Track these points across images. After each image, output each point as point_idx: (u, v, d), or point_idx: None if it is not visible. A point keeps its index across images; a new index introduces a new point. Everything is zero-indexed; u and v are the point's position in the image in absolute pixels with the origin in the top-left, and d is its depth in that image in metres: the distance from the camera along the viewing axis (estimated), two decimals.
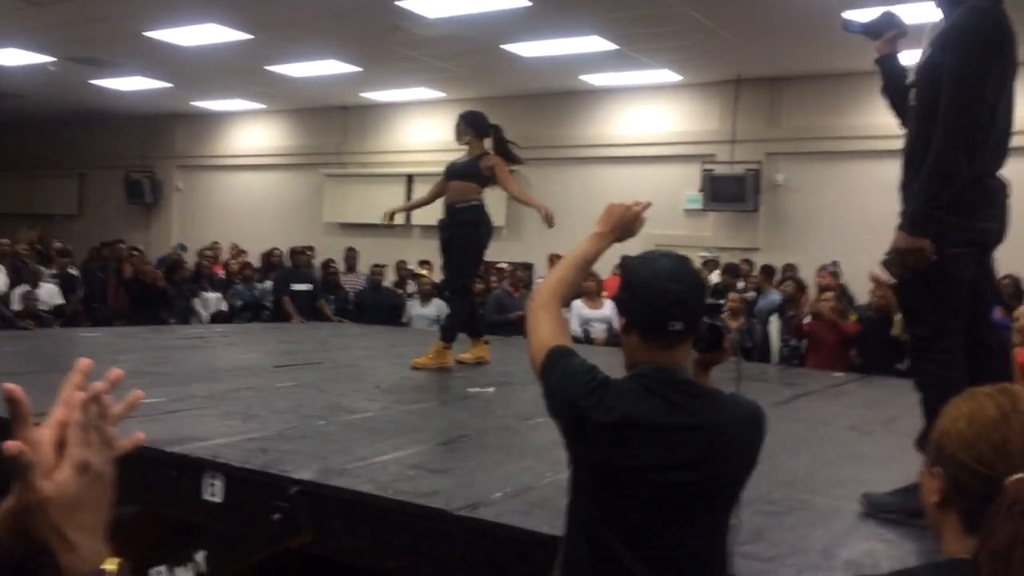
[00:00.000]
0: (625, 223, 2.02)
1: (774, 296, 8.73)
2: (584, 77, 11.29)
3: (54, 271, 9.86)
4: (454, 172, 5.70)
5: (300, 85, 12.52)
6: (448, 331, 5.65)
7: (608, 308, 8.51)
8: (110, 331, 7.87)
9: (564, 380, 1.78)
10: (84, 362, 0.92)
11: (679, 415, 1.73)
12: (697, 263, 7.97)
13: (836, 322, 7.43)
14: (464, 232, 5.55)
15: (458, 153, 5.94)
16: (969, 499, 1.12)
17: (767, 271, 9.50)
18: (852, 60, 9.37)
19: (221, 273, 10.95)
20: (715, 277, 9.56)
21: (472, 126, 5.74)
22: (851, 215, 10.20)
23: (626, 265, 1.87)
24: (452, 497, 2.54)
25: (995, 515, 1.03)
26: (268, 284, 10.20)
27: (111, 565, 0.86)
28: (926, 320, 2.58)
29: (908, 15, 2.85)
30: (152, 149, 16.16)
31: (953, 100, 2.45)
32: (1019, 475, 1.05)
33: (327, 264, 10.71)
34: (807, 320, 7.80)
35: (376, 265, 10.48)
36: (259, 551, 2.71)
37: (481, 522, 2.37)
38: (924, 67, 2.60)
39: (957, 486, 1.14)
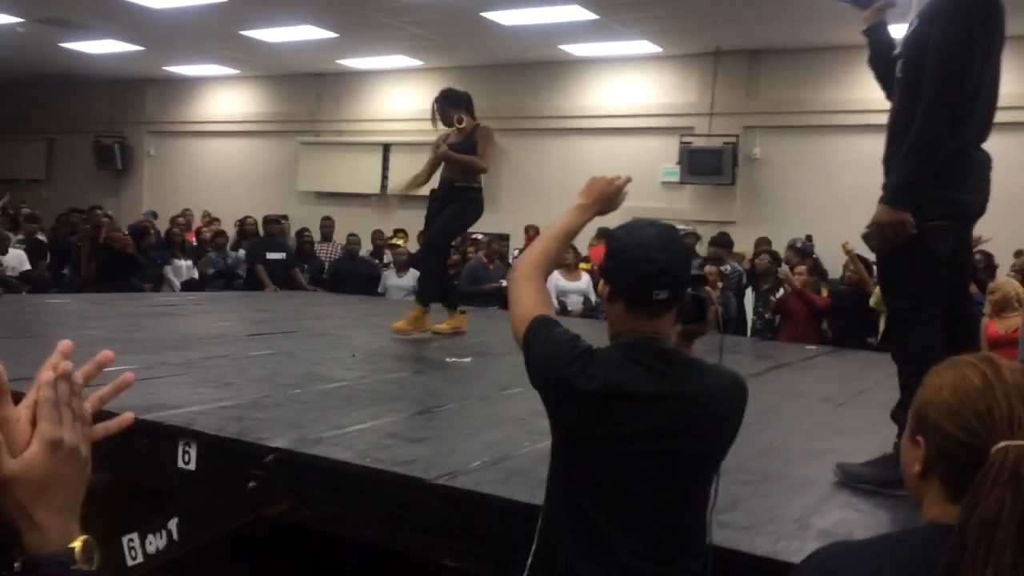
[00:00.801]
0: (608, 196, 2.03)
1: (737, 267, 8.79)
2: (564, 47, 11.20)
3: (21, 237, 9.68)
4: (458, 150, 5.62)
5: (275, 51, 12.32)
6: (423, 294, 5.64)
7: (585, 281, 8.52)
8: (79, 298, 7.75)
9: (546, 349, 1.77)
10: (65, 344, 0.89)
11: (662, 384, 1.72)
12: None
13: (805, 293, 7.48)
14: (459, 207, 5.58)
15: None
16: (953, 467, 1.13)
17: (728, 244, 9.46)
18: (831, 34, 9.39)
19: (193, 241, 10.82)
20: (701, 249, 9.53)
21: (463, 105, 5.67)
22: (827, 190, 10.25)
23: (611, 234, 1.86)
24: (430, 466, 2.53)
25: (982, 483, 1.04)
26: (241, 252, 10.09)
27: (76, 544, 0.84)
28: (905, 292, 2.59)
29: None
30: (123, 114, 15.86)
31: (938, 72, 2.44)
32: (1005, 443, 1.06)
33: (301, 233, 10.61)
34: (779, 294, 7.86)
35: (352, 234, 10.40)
36: (233, 519, 2.68)
37: (459, 491, 2.36)
38: (911, 39, 2.58)
39: (942, 455, 1.14)
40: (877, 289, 7.26)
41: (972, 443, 1.09)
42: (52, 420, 0.85)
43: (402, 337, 5.39)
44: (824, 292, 7.96)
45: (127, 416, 0.94)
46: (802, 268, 7.72)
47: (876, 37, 2.80)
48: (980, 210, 2.63)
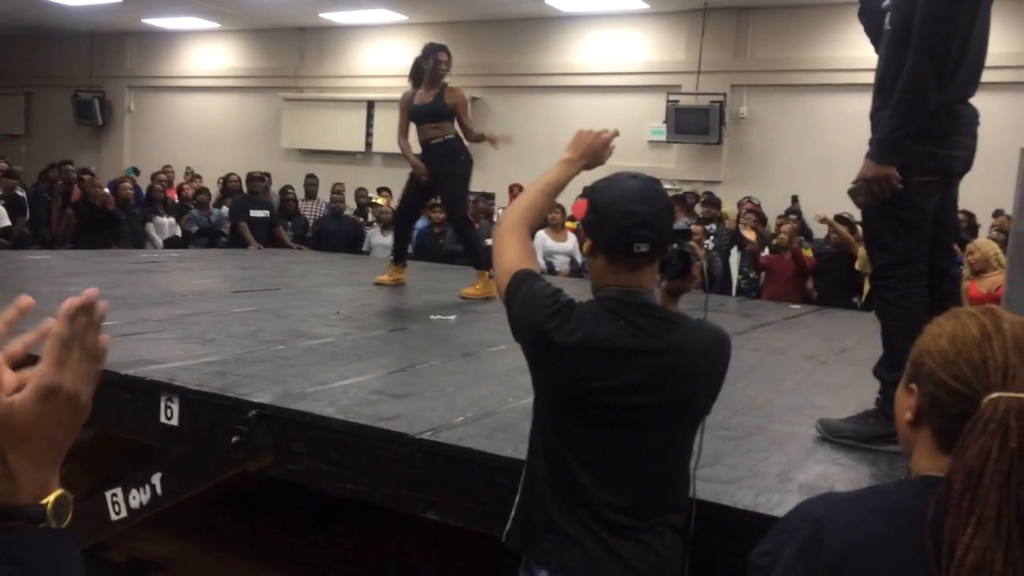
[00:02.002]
0: (595, 150, 2.01)
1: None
2: (550, 1, 11.05)
3: (0, 192, 9.54)
4: (426, 115, 5.62)
5: (257, 4, 12.10)
6: (478, 258, 5.70)
7: (571, 242, 8.50)
8: (60, 254, 7.67)
9: (527, 302, 1.76)
10: (25, 300, 0.82)
11: (643, 338, 1.71)
12: None
13: (796, 251, 7.47)
14: (445, 164, 5.58)
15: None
16: (944, 417, 1.12)
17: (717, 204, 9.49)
18: None
19: (175, 198, 10.70)
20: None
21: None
22: (814, 150, 10.24)
23: (593, 187, 1.84)
24: (414, 421, 2.53)
25: (970, 433, 1.04)
26: (225, 210, 9.99)
27: (49, 499, 0.78)
28: (889, 248, 2.58)
29: None
30: (102, 68, 15.57)
31: (925, 25, 2.42)
32: (996, 394, 1.05)
33: (285, 191, 10.51)
34: (764, 253, 7.88)
35: (337, 186, 10.30)
36: (217, 474, 2.68)
37: (443, 445, 2.36)
38: None
39: (933, 403, 1.14)
40: (863, 251, 7.29)
41: (964, 392, 1.09)
42: (56, 362, 0.78)
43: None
44: (808, 252, 7.99)
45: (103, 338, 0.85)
46: (787, 226, 7.73)
47: None
48: (966, 167, 2.62)
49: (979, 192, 7.38)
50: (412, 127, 5.77)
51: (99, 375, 0.83)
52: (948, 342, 1.13)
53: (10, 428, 0.77)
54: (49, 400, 0.78)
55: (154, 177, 10.90)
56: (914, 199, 2.51)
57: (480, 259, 5.66)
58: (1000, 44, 7.33)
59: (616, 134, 2.04)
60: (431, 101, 5.60)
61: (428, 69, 5.62)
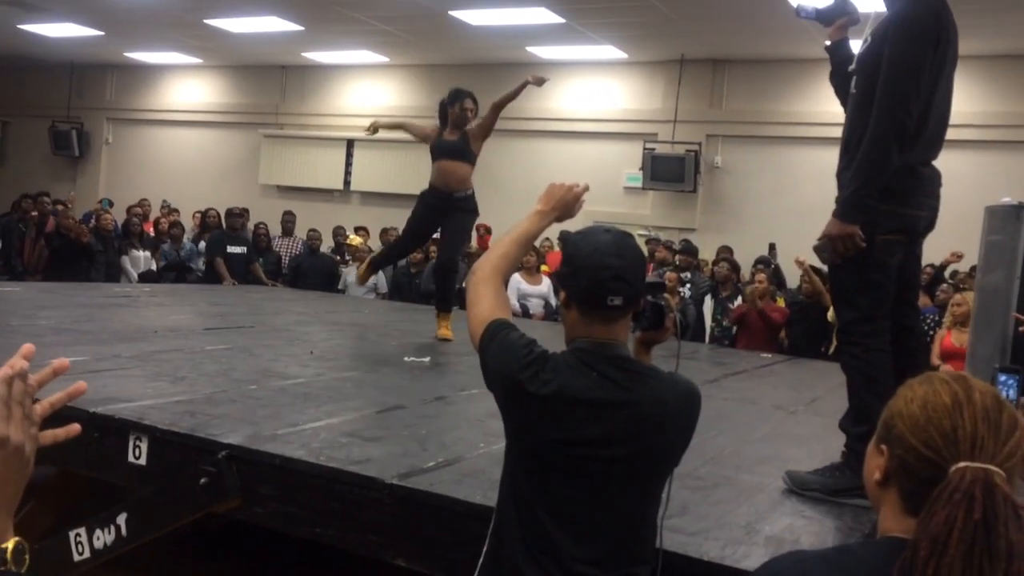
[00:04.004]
0: (566, 203, 2.06)
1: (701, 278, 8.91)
2: (531, 48, 11.23)
3: None
4: (451, 151, 5.67)
5: (239, 41, 12.18)
6: (448, 304, 5.79)
7: (546, 285, 8.55)
8: (31, 286, 7.59)
9: (502, 352, 1.78)
10: (27, 348, 0.92)
11: (615, 391, 1.74)
12: (640, 243, 8.13)
13: (765, 311, 7.54)
14: (466, 218, 5.76)
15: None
16: (912, 480, 1.14)
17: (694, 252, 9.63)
18: (794, 46, 9.55)
19: (151, 232, 10.65)
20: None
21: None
22: (786, 200, 10.41)
23: (567, 239, 1.88)
24: (385, 465, 2.53)
25: (936, 500, 1.06)
26: (193, 245, 9.98)
27: (8, 544, 0.86)
28: (855, 305, 2.64)
29: (861, 2, 2.89)
30: (81, 99, 15.55)
31: (888, 90, 2.50)
32: (964, 464, 1.08)
33: (257, 227, 10.51)
34: (737, 303, 7.95)
35: (312, 230, 10.33)
36: (184, 515, 2.65)
37: (413, 491, 2.36)
38: (864, 56, 2.64)
39: (903, 466, 1.16)
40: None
41: (933, 459, 1.11)
42: (2, 417, 0.86)
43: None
44: (780, 301, 8.08)
45: (74, 427, 0.96)
46: (762, 276, 7.82)
47: (838, 54, 2.86)
48: (929, 225, 2.70)
49: (945, 248, 7.58)
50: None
51: (37, 437, 0.91)
52: (920, 407, 1.16)
53: None
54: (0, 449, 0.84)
55: (129, 210, 10.86)
56: (878, 257, 2.58)
57: (450, 304, 5.74)
58: (966, 103, 7.54)
59: (587, 188, 2.10)
60: (456, 140, 5.69)
61: (454, 114, 5.72)
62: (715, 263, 8.92)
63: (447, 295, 5.86)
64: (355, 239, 10.18)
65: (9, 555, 0.85)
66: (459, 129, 5.70)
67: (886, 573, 1.07)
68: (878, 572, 1.09)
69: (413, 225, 5.93)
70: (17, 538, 0.87)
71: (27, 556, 0.87)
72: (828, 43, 2.90)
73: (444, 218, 5.71)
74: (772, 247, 9.81)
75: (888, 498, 1.19)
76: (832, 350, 7.14)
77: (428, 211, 5.75)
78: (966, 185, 7.70)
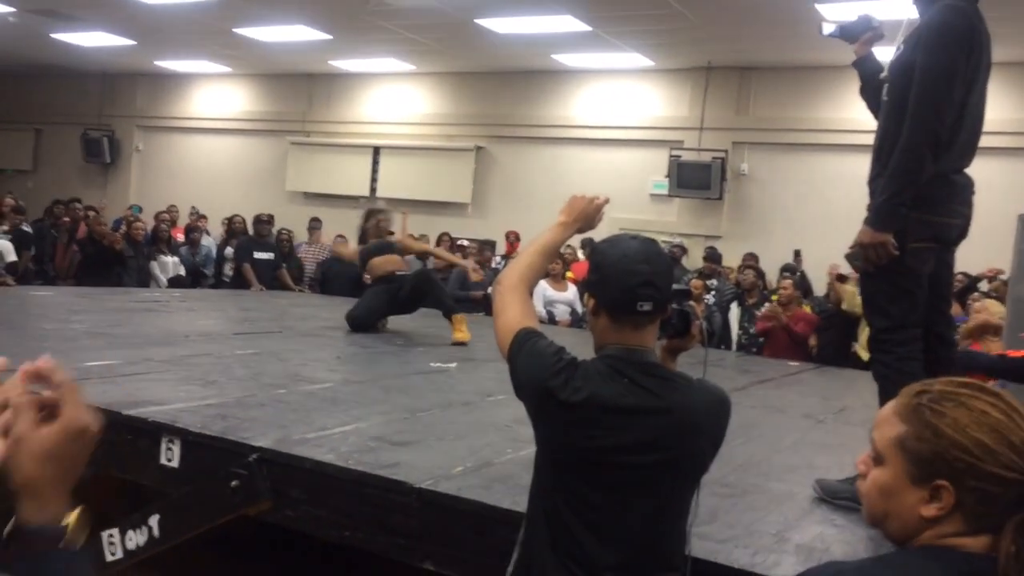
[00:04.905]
0: (587, 215, 2.10)
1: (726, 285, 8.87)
2: (556, 56, 11.26)
3: (6, 227, 9.61)
4: (376, 252, 6.25)
5: (268, 50, 12.31)
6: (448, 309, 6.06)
7: (572, 292, 8.54)
8: (63, 291, 7.71)
9: (531, 361, 1.79)
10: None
11: (646, 397, 1.74)
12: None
13: (790, 327, 7.47)
14: (418, 284, 6.02)
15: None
16: (995, 506, 1.09)
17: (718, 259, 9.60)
18: (821, 53, 9.48)
19: (180, 238, 10.77)
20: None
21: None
22: (813, 207, 10.35)
23: (595, 248, 1.90)
24: (413, 470, 2.54)
25: None
26: (210, 250, 10.07)
27: (71, 517, 0.88)
28: (886, 313, 2.62)
29: (884, 12, 2.87)
30: (112, 107, 15.79)
31: (921, 98, 2.49)
32: None
33: (279, 233, 10.61)
34: (760, 318, 7.89)
35: (339, 235, 10.40)
36: (215, 517, 2.68)
37: (441, 495, 2.37)
38: (897, 64, 2.63)
39: (982, 497, 1.10)
40: (847, 288, 7.33)
41: (1019, 479, 1.07)
42: (79, 404, 0.90)
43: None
44: (808, 308, 8.01)
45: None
46: (787, 283, 7.77)
47: (866, 68, 2.85)
48: (962, 234, 2.67)
49: (978, 257, 7.48)
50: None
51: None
52: (983, 432, 1.10)
53: (41, 456, 0.86)
54: (80, 438, 0.89)
55: (158, 216, 10.99)
56: (910, 265, 2.56)
57: (451, 308, 6.02)
58: (999, 110, 7.49)
59: (607, 201, 2.14)
60: (380, 242, 6.32)
61: (372, 228, 6.37)
62: (740, 270, 8.88)
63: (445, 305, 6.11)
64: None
65: (70, 528, 0.87)
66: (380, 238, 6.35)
67: None
68: None
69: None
70: (81, 507, 0.90)
71: (87, 531, 0.90)
72: (855, 59, 2.89)
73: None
74: (797, 253, 9.75)
75: (943, 529, 1.12)
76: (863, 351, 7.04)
77: (398, 293, 6.03)
78: (999, 193, 7.61)
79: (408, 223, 10.36)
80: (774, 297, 7.92)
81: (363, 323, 5.98)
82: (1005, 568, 1.05)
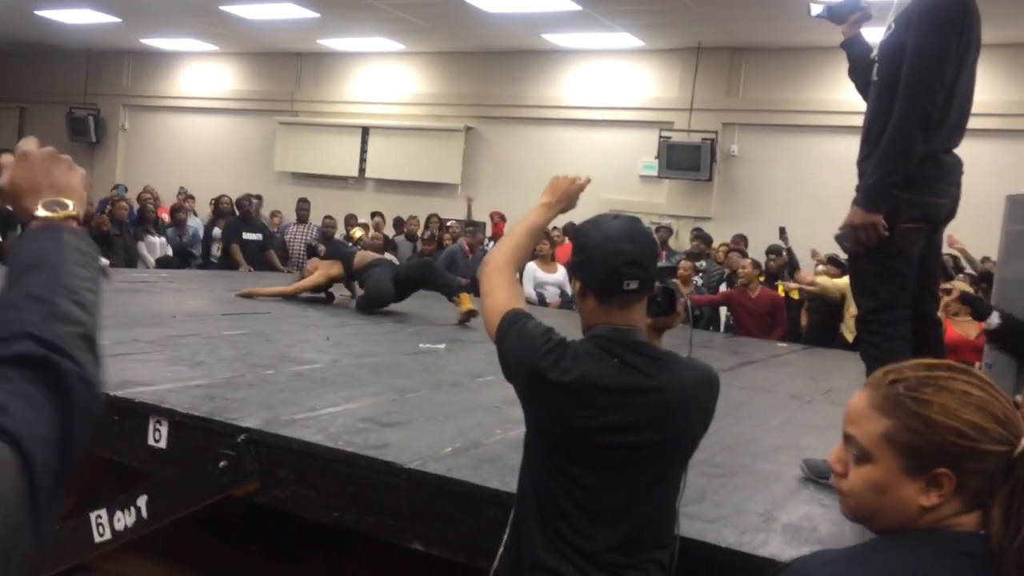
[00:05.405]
0: (569, 195, 2.10)
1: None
2: (547, 36, 11.20)
3: None
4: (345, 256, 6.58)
5: (255, 28, 12.19)
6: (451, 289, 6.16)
7: (561, 273, 8.53)
8: None
9: (520, 342, 1.78)
10: None
11: (636, 376, 1.74)
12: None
13: (746, 293, 7.44)
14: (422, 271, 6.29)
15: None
16: (988, 480, 1.09)
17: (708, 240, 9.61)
18: (812, 34, 9.46)
19: (167, 219, 10.71)
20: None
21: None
22: (802, 189, 10.36)
23: (579, 229, 1.89)
24: (402, 450, 2.54)
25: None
26: (197, 231, 10.02)
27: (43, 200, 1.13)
28: (875, 294, 2.63)
29: None
30: (97, 86, 15.63)
31: (913, 78, 2.48)
32: None
33: (273, 215, 10.57)
34: (723, 288, 7.91)
35: (327, 217, 10.36)
36: (203, 498, 2.68)
37: (430, 476, 2.37)
38: (887, 44, 2.62)
39: (982, 474, 1.09)
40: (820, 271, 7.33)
41: (1007, 451, 1.07)
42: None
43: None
44: (781, 290, 7.97)
45: None
46: (746, 262, 7.64)
47: (854, 49, 2.84)
48: (950, 214, 2.68)
49: (965, 238, 7.52)
50: None
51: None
52: (971, 413, 1.09)
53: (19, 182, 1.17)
54: (22, 160, 1.19)
55: (138, 197, 10.90)
56: (899, 245, 2.57)
57: (453, 287, 6.09)
58: (988, 92, 7.50)
59: (588, 181, 2.13)
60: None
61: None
62: (726, 252, 8.88)
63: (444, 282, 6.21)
64: (357, 231, 10.17)
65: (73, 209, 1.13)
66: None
67: (942, 570, 1.06)
68: (919, 574, 1.07)
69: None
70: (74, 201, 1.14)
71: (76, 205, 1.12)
72: (843, 40, 2.87)
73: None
74: (783, 231, 9.75)
75: (941, 513, 1.12)
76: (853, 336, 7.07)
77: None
78: (987, 173, 7.63)
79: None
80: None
81: (377, 307, 6.13)
82: (999, 541, 1.05)
